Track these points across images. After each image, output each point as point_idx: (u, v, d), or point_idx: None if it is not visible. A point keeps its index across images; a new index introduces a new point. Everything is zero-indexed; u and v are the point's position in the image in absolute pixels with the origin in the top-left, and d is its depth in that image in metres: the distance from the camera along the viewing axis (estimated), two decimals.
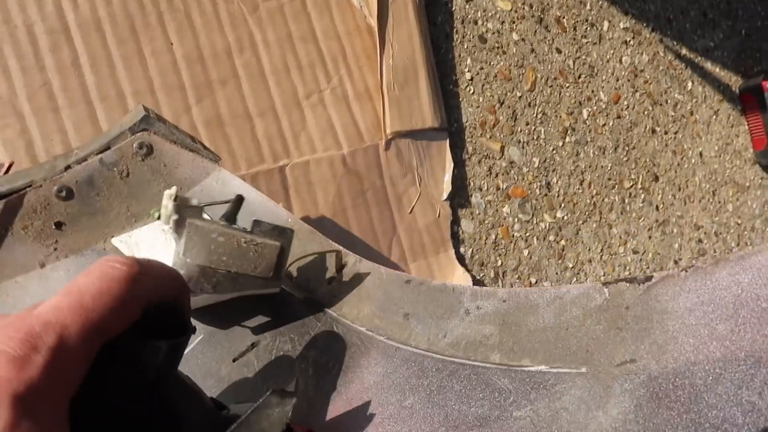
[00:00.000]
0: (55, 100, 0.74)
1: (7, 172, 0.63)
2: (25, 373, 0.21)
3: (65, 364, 0.22)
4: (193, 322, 0.56)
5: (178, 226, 0.44)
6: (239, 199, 0.49)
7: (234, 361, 0.53)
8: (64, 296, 0.25)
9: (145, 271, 0.29)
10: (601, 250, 1.22)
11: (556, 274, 1.15)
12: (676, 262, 1.32)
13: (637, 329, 0.35)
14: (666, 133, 1.34)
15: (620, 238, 1.25)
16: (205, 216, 0.48)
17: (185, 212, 0.44)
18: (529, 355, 0.40)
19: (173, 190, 0.43)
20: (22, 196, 0.57)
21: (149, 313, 0.30)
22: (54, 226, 0.58)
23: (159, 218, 0.45)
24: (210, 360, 0.53)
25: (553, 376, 0.38)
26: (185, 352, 0.56)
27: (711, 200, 1.40)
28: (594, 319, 0.38)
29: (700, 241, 1.37)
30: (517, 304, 0.43)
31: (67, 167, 0.59)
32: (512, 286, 1.09)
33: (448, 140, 0.98)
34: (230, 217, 0.47)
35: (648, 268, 1.28)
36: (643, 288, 0.36)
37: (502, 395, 0.39)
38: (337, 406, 0.46)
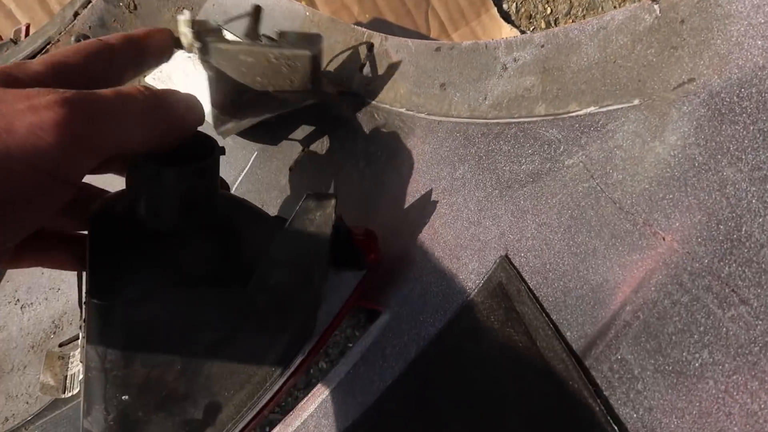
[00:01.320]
0: None
1: (27, 35, 0.60)
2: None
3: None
4: (244, 141, 0.55)
5: (203, 54, 0.39)
6: (257, 10, 0.43)
7: (291, 170, 0.51)
8: None
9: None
10: None
11: (615, 8, 1.01)
12: None
13: (695, 43, 0.29)
14: None
15: None
16: (229, 36, 0.43)
17: (206, 37, 0.39)
18: (576, 98, 0.35)
19: (187, 15, 0.38)
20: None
21: (188, 146, 0.29)
22: None
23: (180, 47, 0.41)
24: (268, 173, 0.52)
25: (604, 115, 0.33)
26: (245, 170, 0.56)
27: None
28: (644, 43, 0.32)
29: None
30: (556, 46, 0.37)
31: (76, 14, 0.54)
32: None
33: None
34: (252, 33, 0.42)
35: None
36: None
37: (552, 146, 0.35)
38: (392, 191, 0.44)
